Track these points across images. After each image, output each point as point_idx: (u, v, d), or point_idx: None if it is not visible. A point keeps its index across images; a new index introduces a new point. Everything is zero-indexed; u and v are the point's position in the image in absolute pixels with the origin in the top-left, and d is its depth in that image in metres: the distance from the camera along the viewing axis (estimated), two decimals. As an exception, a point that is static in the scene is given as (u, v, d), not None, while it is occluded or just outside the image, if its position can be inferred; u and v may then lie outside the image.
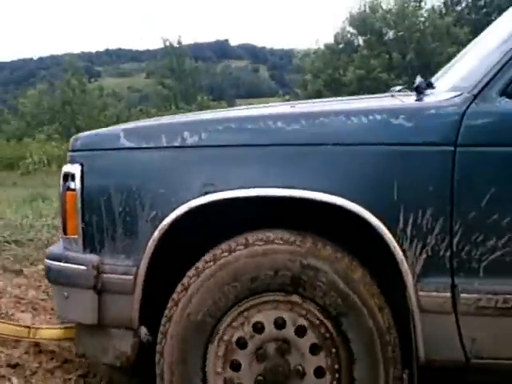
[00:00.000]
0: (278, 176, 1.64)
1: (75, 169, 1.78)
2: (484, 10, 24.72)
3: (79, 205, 1.75)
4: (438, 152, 1.58)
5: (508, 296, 1.56)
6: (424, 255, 1.58)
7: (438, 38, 22.19)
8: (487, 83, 1.62)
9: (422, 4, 24.06)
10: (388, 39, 23.52)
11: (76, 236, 1.77)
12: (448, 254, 1.57)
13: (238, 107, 2.34)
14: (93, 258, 1.74)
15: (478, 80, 1.63)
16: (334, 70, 23.92)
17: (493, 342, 1.60)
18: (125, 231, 1.72)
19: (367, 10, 23.87)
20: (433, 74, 2.34)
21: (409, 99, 1.89)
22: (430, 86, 1.94)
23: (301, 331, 1.63)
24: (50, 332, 2.32)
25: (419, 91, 1.84)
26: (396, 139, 1.62)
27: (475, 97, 1.61)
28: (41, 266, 3.10)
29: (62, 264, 1.80)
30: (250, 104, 3.21)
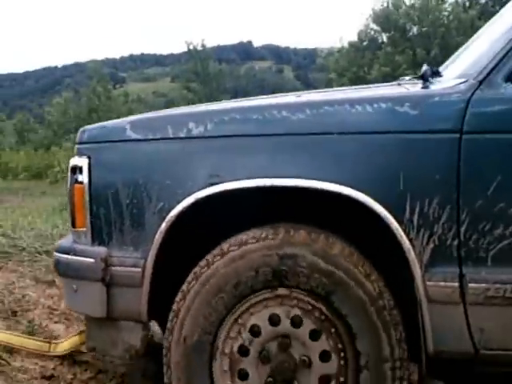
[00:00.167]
0: (282, 166, 1.64)
1: (82, 161, 1.78)
2: (508, 2, 24.19)
3: (87, 197, 1.76)
4: (444, 139, 1.56)
5: None
6: (431, 244, 1.56)
7: (462, 32, 21.79)
8: (492, 69, 1.59)
9: (446, -2, 23.75)
10: (412, 35, 23.26)
11: (84, 229, 1.78)
12: (455, 243, 1.55)
13: (245, 98, 2.33)
14: (101, 250, 1.74)
15: (483, 66, 1.61)
16: (358, 68, 23.76)
17: (502, 333, 1.57)
18: (132, 223, 1.72)
19: (390, 6, 23.64)
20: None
21: (414, 87, 1.87)
22: (438, 74, 1.92)
23: (297, 321, 1.63)
24: (68, 342, 2.31)
25: (425, 79, 1.82)
26: (401, 127, 1.60)
27: (480, 83, 1.59)
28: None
29: (70, 257, 1.81)
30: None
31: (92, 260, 1.74)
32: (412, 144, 1.59)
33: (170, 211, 1.66)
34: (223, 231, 1.69)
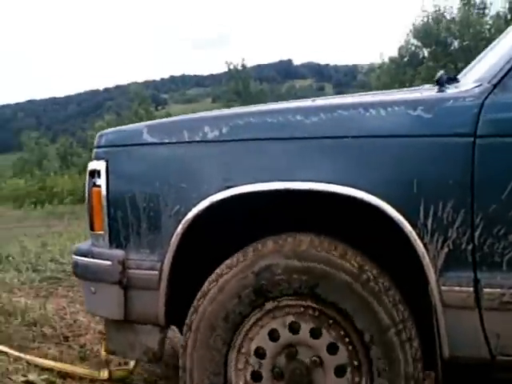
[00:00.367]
0: (296, 169, 1.64)
1: (100, 165, 1.82)
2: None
3: (105, 201, 1.79)
4: (457, 143, 1.55)
5: None
6: (446, 249, 1.54)
7: (505, 45, 21.31)
8: (507, 73, 1.58)
9: (487, 11, 23.29)
10: (453, 49, 22.89)
11: (102, 232, 1.81)
12: (470, 247, 1.52)
13: (260, 104, 2.35)
14: (118, 253, 1.77)
15: (498, 70, 1.60)
16: (400, 84, 23.47)
17: None
18: (149, 226, 1.75)
19: (431, 21, 23.39)
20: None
21: (430, 92, 1.87)
22: (455, 80, 1.91)
23: (295, 327, 1.64)
24: (118, 373, 2.30)
25: (440, 84, 1.81)
26: (415, 131, 1.60)
27: (494, 87, 1.57)
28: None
29: (88, 259, 1.85)
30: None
31: (109, 263, 1.77)
32: (425, 147, 1.58)
33: (185, 214, 1.68)
34: (239, 235, 1.71)
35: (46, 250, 5.02)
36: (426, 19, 23.77)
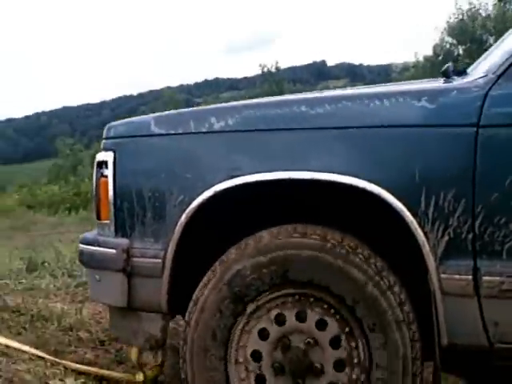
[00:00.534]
0: (300, 159, 1.65)
1: (108, 156, 1.85)
2: None
3: (111, 191, 1.82)
4: (460, 133, 1.55)
5: None
6: (446, 237, 1.54)
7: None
8: (511, 63, 1.57)
9: (523, 6, 22.73)
10: (489, 46, 22.43)
11: (108, 221, 1.84)
12: (470, 236, 1.52)
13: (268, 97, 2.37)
14: (123, 241, 1.80)
15: (502, 61, 1.59)
16: (435, 83, 23.14)
17: None
18: (154, 216, 1.77)
19: (465, 18, 22.97)
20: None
21: (435, 83, 1.86)
22: (463, 73, 1.89)
23: (281, 320, 1.66)
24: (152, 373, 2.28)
25: (447, 76, 1.82)
26: (418, 121, 1.60)
27: (499, 77, 1.57)
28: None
29: (94, 248, 1.89)
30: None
31: (114, 251, 1.80)
32: (429, 138, 1.58)
33: (189, 204, 1.71)
34: (243, 226, 1.73)
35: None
36: (460, 17, 23.37)
